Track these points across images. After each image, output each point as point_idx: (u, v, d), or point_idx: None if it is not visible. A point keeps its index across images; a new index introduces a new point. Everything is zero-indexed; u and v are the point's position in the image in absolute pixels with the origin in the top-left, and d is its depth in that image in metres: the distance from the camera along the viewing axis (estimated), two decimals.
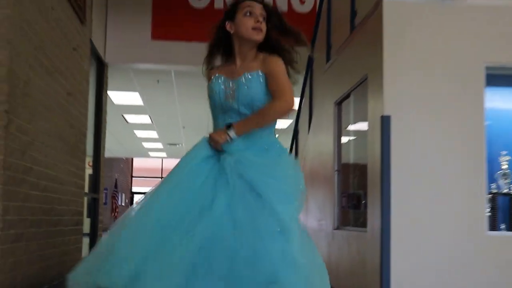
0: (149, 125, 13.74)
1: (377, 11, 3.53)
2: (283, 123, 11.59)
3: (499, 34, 3.51)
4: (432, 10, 3.51)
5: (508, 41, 3.51)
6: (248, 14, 2.51)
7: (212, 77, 2.55)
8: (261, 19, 2.52)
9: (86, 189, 6.42)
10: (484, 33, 3.50)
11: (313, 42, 5.85)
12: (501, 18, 3.53)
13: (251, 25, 2.50)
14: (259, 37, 2.51)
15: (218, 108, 2.52)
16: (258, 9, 2.55)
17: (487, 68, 3.46)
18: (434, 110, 3.45)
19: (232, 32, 2.52)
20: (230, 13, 2.54)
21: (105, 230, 6.54)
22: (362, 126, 4.08)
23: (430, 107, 3.46)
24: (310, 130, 5.80)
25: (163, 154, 22.25)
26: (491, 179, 3.95)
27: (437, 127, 3.46)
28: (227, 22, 2.51)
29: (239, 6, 2.55)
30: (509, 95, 4.15)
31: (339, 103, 4.73)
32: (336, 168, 4.76)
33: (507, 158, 4.03)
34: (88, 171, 6.78)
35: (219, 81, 2.55)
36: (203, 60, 2.56)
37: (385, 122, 3.37)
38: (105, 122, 7.34)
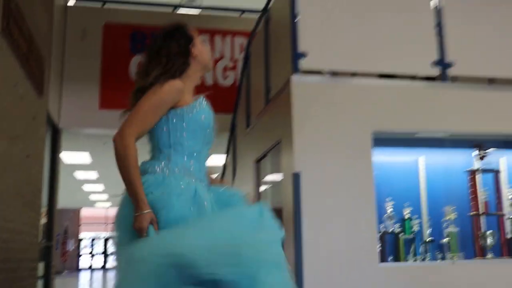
0: (96, 180, 13.36)
1: (287, 88, 3.66)
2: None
3: (382, 107, 3.71)
4: (331, 88, 3.68)
5: (389, 112, 3.72)
6: (204, 42, 2.18)
7: (193, 98, 2.07)
8: None
9: (41, 237, 6.14)
10: (371, 106, 3.69)
11: (235, 110, 5.95)
12: (383, 95, 3.75)
13: (209, 54, 2.19)
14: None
15: (205, 137, 2.06)
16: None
17: (374, 133, 3.63)
18: (335, 167, 3.56)
19: (194, 58, 2.12)
20: (189, 38, 2.15)
21: (57, 273, 6.29)
22: (277, 177, 4.15)
23: (331, 164, 3.56)
24: (233, 183, 5.83)
25: (108, 204, 21.56)
26: (380, 220, 4.10)
27: (338, 180, 3.56)
28: (192, 46, 2.12)
29: (193, 31, 2.19)
30: (390, 152, 4.34)
31: (258, 161, 4.80)
32: None
33: (391, 203, 4.19)
34: (42, 220, 6.51)
35: (207, 104, 2.09)
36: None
37: (296, 177, 3.45)
38: (58, 179, 7.11)
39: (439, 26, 4.03)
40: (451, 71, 3.94)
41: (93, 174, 12.45)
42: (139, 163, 1.96)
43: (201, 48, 2.15)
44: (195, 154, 2.03)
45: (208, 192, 2.03)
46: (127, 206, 1.94)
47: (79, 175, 12.53)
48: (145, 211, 1.85)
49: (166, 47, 2.09)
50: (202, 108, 2.06)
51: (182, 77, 2.06)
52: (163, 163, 1.99)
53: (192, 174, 1.99)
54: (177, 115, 2.02)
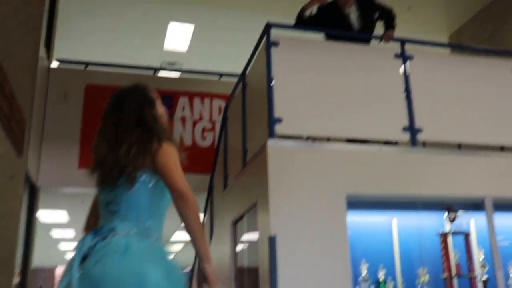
0: (73, 238, 13.04)
1: (263, 152, 3.69)
2: (187, 236, 11.42)
3: (355, 171, 3.76)
4: (306, 152, 3.71)
5: (362, 176, 3.76)
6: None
7: None
8: None
9: None
10: (344, 170, 3.73)
11: (213, 171, 5.94)
12: (356, 159, 3.80)
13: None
14: None
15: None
16: None
17: (348, 196, 3.66)
18: (310, 229, 3.55)
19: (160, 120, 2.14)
20: (153, 101, 2.20)
21: None
22: (254, 236, 4.11)
23: (306, 227, 3.54)
24: (211, 243, 5.75)
25: None
26: (356, 282, 4.06)
27: (313, 243, 3.53)
28: (154, 110, 2.16)
29: (156, 95, 2.23)
30: (364, 214, 4.36)
31: (235, 223, 4.77)
32: (233, 275, 4.71)
33: (366, 265, 4.17)
34: (15, 280, 6.28)
35: None
36: None
37: (272, 240, 3.43)
38: (34, 239, 6.93)
39: (408, 92, 4.14)
40: (421, 137, 4.03)
41: (70, 233, 12.17)
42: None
43: (161, 111, 2.22)
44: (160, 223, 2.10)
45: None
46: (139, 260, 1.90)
47: (56, 233, 12.23)
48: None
49: (140, 114, 2.12)
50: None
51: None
52: (140, 226, 2.01)
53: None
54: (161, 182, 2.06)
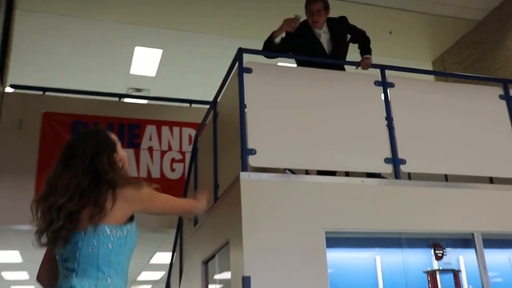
0: (26, 281, 12.67)
1: (236, 186, 3.65)
2: (156, 275, 11.19)
3: (335, 205, 3.74)
4: (282, 186, 3.69)
5: (342, 211, 3.74)
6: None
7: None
8: None
9: None
10: (323, 204, 3.71)
11: None
12: (336, 192, 3.79)
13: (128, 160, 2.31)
14: None
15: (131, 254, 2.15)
16: None
17: (327, 232, 3.63)
18: (287, 269, 3.50)
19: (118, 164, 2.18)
20: (113, 144, 2.24)
21: None
22: (227, 276, 4.04)
23: (283, 267, 3.49)
24: (180, 284, 5.65)
25: None
26: None
27: (291, 284, 3.48)
28: (114, 154, 2.21)
29: (115, 137, 2.29)
30: (345, 252, 4.34)
31: (206, 262, 4.69)
32: None
33: None
34: None
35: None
36: None
37: (246, 281, 3.37)
38: None
39: (389, 121, 4.19)
40: (405, 168, 4.06)
41: (23, 275, 11.81)
42: None
43: (122, 154, 2.27)
44: (126, 272, 2.10)
45: None
46: None
47: (7, 275, 11.85)
48: None
49: (97, 161, 2.12)
50: (136, 227, 2.15)
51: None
52: (101, 283, 2.00)
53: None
54: (122, 231, 2.07)
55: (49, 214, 2.05)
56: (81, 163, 2.11)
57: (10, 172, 6.71)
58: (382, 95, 4.30)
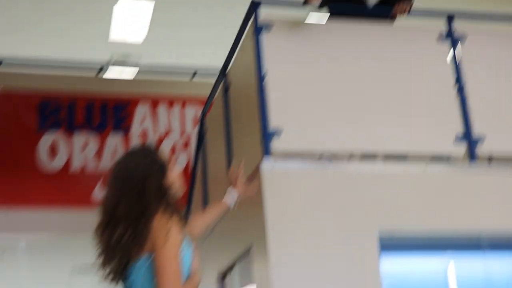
0: None
1: (256, 177, 3.64)
2: None
3: (390, 200, 3.71)
4: (315, 175, 3.67)
5: (399, 207, 3.72)
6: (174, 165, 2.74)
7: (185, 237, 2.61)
8: None
9: None
10: (374, 199, 3.68)
11: (189, 204, 5.89)
12: (391, 184, 3.76)
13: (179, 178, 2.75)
14: None
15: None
16: None
17: (381, 235, 3.61)
18: (327, 282, 3.50)
19: (169, 189, 2.63)
20: (164, 166, 2.67)
21: None
22: None
23: (322, 278, 3.50)
24: None
25: None
26: None
27: None
28: (166, 179, 2.64)
29: (167, 157, 2.73)
30: (405, 258, 4.31)
31: (222, 276, 4.74)
32: None
33: None
34: None
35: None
36: None
37: None
38: None
39: (460, 86, 4.15)
40: (483, 148, 4.01)
41: None
42: None
43: (174, 175, 2.68)
44: None
45: None
46: None
47: None
48: None
49: (146, 186, 2.54)
50: (188, 245, 2.61)
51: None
52: None
53: None
54: None
55: (107, 249, 2.55)
56: (132, 189, 2.55)
57: None
58: (450, 53, 4.23)
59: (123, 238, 2.48)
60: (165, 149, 7.16)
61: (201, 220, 3.20)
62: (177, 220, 2.57)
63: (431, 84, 4.15)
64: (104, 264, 2.56)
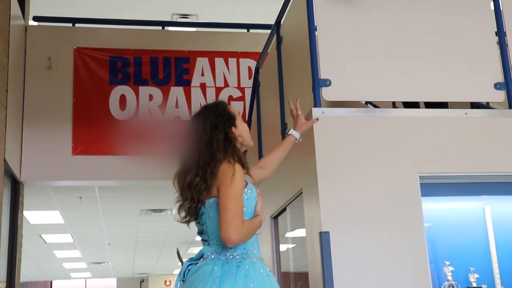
0: (71, 244, 13.37)
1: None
2: None
3: (431, 145, 3.67)
4: (362, 122, 3.65)
5: (440, 152, 3.67)
6: (247, 121, 2.80)
7: (249, 182, 2.70)
8: None
9: None
10: (416, 144, 3.65)
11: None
12: (432, 129, 3.71)
13: (248, 132, 2.84)
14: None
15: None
16: None
17: (422, 178, 3.58)
18: (373, 223, 3.50)
19: (241, 141, 2.76)
20: (231, 120, 2.75)
21: None
22: (300, 233, 4.10)
23: (368, 219, 3.50)
24: None
25: (87, 274, 21.51)
26: None
27: (377, 240, 3.49)
28: (233, 130, 2.73)
29: (235, 111, 2.83)
30: (445, 202, 4.29)
31: (275, 217, 4.76)
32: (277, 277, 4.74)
33: (451, 268, 4.11)
34: None
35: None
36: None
37: (324, 238, 3.39)
38: (21, 245, 7.11)
39: (501, 34, 4.03)
40: None
41: (66, 238, 12.44)
42: None
43: (241, 128, 2.78)
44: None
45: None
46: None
47: (49, 238, 12.52)
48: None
49: (214, 137, 2.66)
50: (251, 189, 2.68)
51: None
52: (225, 249, 2.61)
53: (256, 255, 2.67)
54: None
55: (182, 191, 2.68)
56: (202, 140, 2.65)
57: (42, 121, 6.96)
58: (492, 1, 4.10)
59: (194, 181, 2.59)
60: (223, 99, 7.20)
61: (272, 156, 3.26)
62: (241, 167, 2.64)
63: (472, 32, 4.03)
64: (180, 205, 2.68)
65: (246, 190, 2.64)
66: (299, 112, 3.34)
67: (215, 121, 2.70)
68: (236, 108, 7.18)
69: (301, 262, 4.22)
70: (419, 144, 3.66)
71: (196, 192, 2.61)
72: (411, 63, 3.89)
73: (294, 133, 3.28)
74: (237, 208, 2.52)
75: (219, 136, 2.67)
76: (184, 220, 2.71)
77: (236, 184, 2.56)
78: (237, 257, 2.59)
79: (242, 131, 2.79)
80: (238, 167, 2.61)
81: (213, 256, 2.60)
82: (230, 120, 2.74)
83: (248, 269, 2.56)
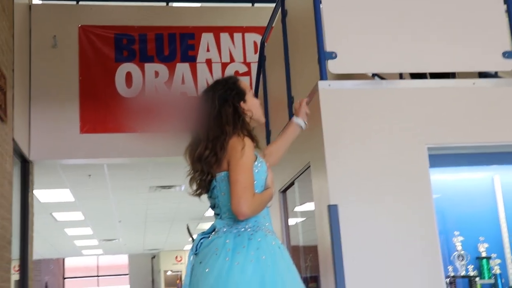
0: (82, 222, 13.46)
1: (313, 98, 3.63)
2: None
3: (439, 115, 3.65)
4: (368, 94, 3.63)
5: (448, 122, 3.65)
6: (255, 96, 2.79)
7: (261, 159, 2.70)
8: None
9: None
10: (424, 115, 3.63)
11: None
12: (439, 99, 3.69)
13: (260, 108, 2.81)
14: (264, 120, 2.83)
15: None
16: None
17: (430, 149, 3.57)
18: (381, 195, 3.50)
19: (250, 115, 2.73)
20: (241, 94, 2.74)
21: None
22: (309, 207, 4.10)
23: (376, 191, 3.50)
24: None
25: (99, 251, 21.69)
26: (448, 261, 4.02)
27: (386, 212, 3.49)
28: (242, 104, 2.72)
29: (246, 86, 2.80)
30: (454, 172, 4.28)
31: (284, 191, 4.77)
32: None
33: (461, 238, 4.12)
34: (15, 277, 6.54)
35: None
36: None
37: (333, 211, 3.40)
38: (32, 224, 7.16)
39: (509, 5, 3.97)
40: None
41: (77, 215, 12.53)
42: None
43: (251, 103, 2.75)
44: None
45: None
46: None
47: (60, 216, 12.61)
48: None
49: (223, 111, 2.66)
50: (261, 162, 2.69)
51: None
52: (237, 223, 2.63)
53: (267, 228, 2.69)
54: None
55: (192, 164, 2.70)
56: (211, 113, 2.66)
57: (49, 100, 6.97)
58: None
59: (204, 154, 2.61)
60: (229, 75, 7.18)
61: (276, 147, 3.24)
62: (251, 141, 2.65)
63: (480, 0, 3.98)
64: (191, 178, 2.71)
65: (256, 163, 2.64)
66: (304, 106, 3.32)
67: (224, 95, 2.70)
68: None
69: (311, 236, 4.23)
70: (427, 115, 3.64)
71: (206, 165, 2.62)
72: (418, 34, 3.84)
73: (298, 121, 3.27)
74: (247, 181, 2.52)
75: (228, 110, 2.67)
76: (196, 193, 2.73)
77: (246, 157, 2.56)
78: (248, 229, 2.60)
79: (252, 106, 2.77)
80: (247, 140, 2.62)
81: (225, 229, 2.62)
82: (240, 94, 2.74)
83: (260, 241, 2.57)
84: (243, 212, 2.49)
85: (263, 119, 2.85)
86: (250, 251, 2.52)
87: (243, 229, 2.60)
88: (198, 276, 2.56)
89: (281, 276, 2.53)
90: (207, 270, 2.52)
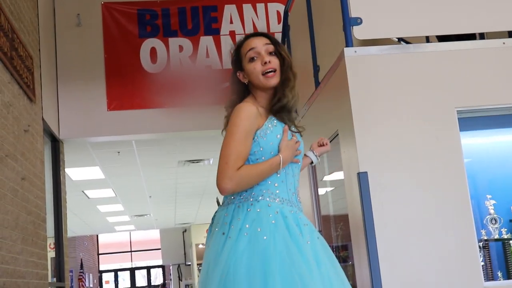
0: (113, 199, 13.61)
1: (340, 66, 3.60)
2: None
3: (468, 77, 3.60)
4: (395, 59, 3.59)
5: (477, 84, 3.60)
6: (254, 59, 2.56)
7: (269, 125, 2.54)
8: (267, 58, 2.55)
9: (50, 278, 6.28)
10: (453, 77, 3.59)
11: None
12: (468, 61, 3.64)
13: (260, 71, 2.55)
14: (274, 80, 2.54)
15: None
16: (261, 45, 2.59)
17: (459, 112, 3.53)
18: (411, 160, 3.48)
19: (246, 82, 2.61)
20: (237, 62, 2.64)
21: None
22: (338, 176, 4.09)
23: (406, 157, 3.48)
24: None
25: (131, 227, 21.94)
26: (480, 225, 3.98)
27: (417, 177, 3.48)
28: (238, 73, 2.62)
29: (242, 51, 2.62)
30: (484, 135, 4.23)
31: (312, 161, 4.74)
32: (317, 227, 4.76)
33: (493, 202, 4.08)
34: (50, 254, 6.66)
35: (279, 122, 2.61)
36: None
37: (363, 178, 3.39)
38: (65, 201, 7.26)
39: None
40: None
41: (108, 192, 12.68)
42: None
43: (247, 68, 2.59)
44: (278, 175, 2.53)
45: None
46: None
47: (91, 194, 12.78)
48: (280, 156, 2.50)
49: (230, 80, 2.68)
50: (274, 126, 2.54)
51: (251, 100, 2.58)
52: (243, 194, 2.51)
53: (278, 196, 2.51)
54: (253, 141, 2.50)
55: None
56: (229, 84, 2.70)
57: (76, 79, 7.01)
58: None
59: (224, 124, 2.60)
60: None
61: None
62: (253, 107, 2.50)
63: None
64: None
65: (261, 130, 2.50)
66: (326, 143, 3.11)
67: (232, 65, 2.69)
68: None
69: (340, 205, 4.23)
70: (456, 77, 3.59)
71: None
72: None
73: (310, 155, 3.07)
74: (231, 154, 2.40)
75: (232, 79, 2.66)
76: None
77: (235, 126, 2.44)
78: (250, 199, 2.46)
79: (248, 72, 2.59)
80: (247, 106, 2.49)
81: (228, 201, 2.53)
82: (236, 62, 2.65)
83: (259, 212, 2.42)
84: (223, 187, 2.38)
85: (266, 83, 2.54)
86: (245, 224, 2.40)
87: (244, 200, 2.47)
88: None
89: (275, 252, 2.32)
90: (208, 246, 2.50)
